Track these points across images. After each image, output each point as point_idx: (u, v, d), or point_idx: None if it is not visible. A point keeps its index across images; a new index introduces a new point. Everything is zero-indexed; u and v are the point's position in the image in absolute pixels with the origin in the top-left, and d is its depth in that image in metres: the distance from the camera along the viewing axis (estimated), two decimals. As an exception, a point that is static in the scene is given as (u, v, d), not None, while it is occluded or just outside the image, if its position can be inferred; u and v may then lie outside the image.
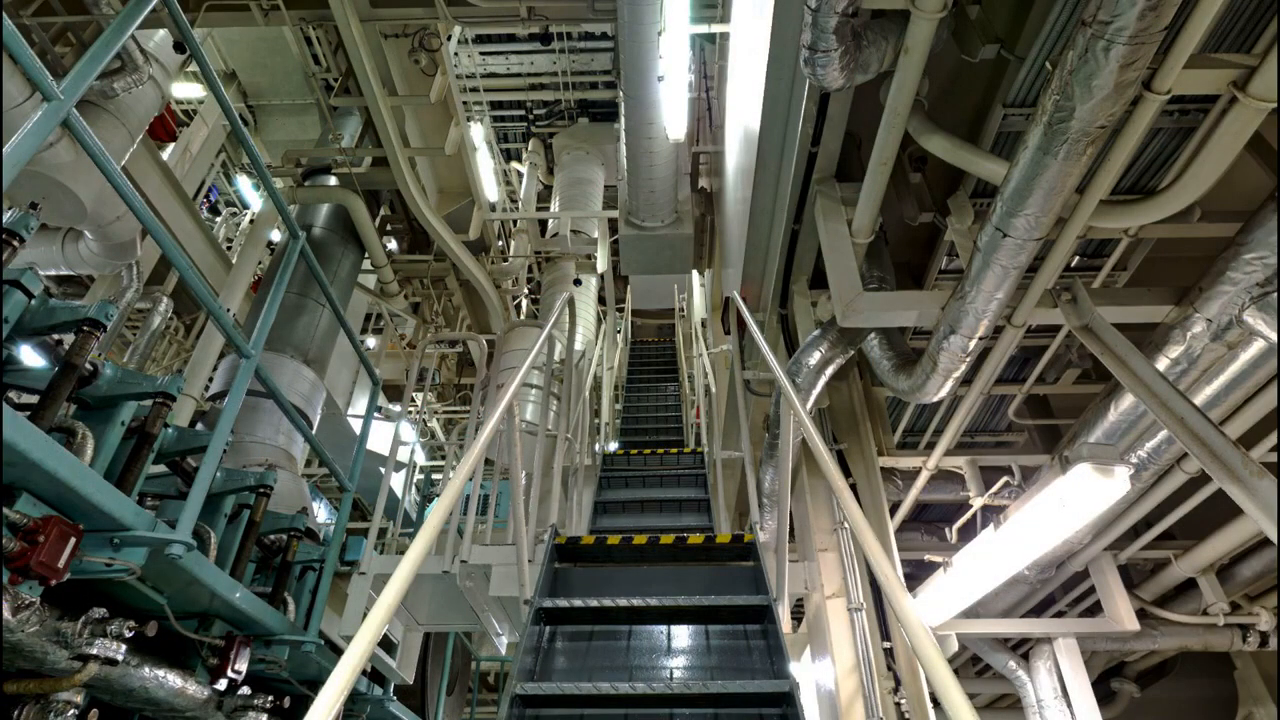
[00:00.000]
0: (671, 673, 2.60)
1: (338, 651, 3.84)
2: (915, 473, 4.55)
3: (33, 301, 2.38)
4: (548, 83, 12.01)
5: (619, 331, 12.47)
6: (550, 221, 10.80)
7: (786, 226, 3.48)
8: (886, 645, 3.39)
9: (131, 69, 5.44)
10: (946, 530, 5.07)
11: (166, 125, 7.45)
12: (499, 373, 7.05)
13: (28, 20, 5.50)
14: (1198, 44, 2.04)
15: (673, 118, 5.54)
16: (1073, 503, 3.20)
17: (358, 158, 7.74)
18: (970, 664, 7.02)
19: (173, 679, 2.85)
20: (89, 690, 2.48)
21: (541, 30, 10.32)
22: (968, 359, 2.92)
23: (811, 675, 3.60)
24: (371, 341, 10.85)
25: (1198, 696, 6.49)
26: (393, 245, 9.21)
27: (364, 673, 4.39)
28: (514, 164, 12.96)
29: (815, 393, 3.46)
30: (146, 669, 2.72)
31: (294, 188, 7.62)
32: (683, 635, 2.81)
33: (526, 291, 11.91)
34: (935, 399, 3.18)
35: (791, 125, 3.09)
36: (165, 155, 8.03)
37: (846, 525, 3.52)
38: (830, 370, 3.40)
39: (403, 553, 1.79)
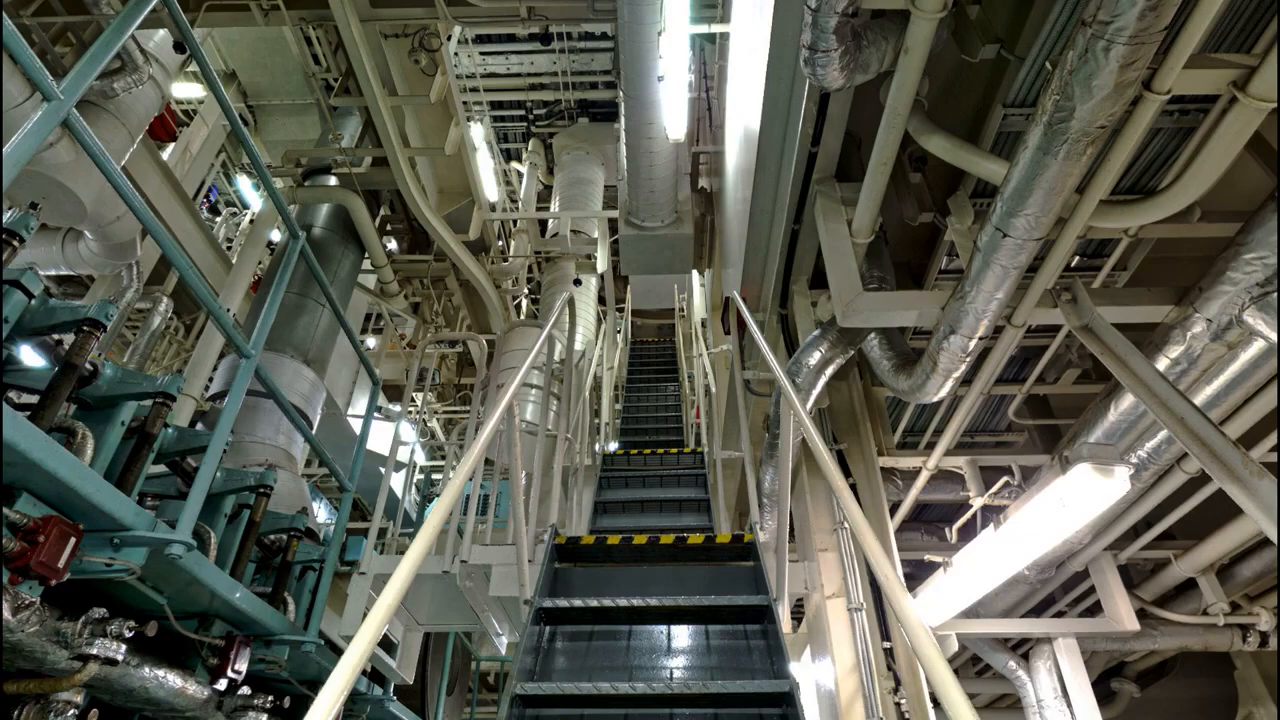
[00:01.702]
0: (671, 673, 2.60)
1: (338, 651, 3.84)
2: (915, 473, 4.55)
3: (33, 301, 2.38)
4: (548, 83, 12.01)
5: (619, 331, 12.47)
6: (550, 221, 10.80)
7: (786, 226, 3.48)
8: (886, 645, 3.38)
9: (131, 69, 5.44)
10: (946, 530, 5.07)
11: (166, 125, 7.45)
12: (499, 373, 7.05)
13: (28, 20, 5.50)
14: (1198, 44, 2.04)
15: (673, 118, 5.54)
16: (1073, 503, 3.20)
17: (358, 158, 7.74)
18: (970, 664, 7.02)
19: (173, 679, 2.85)
20: (89, 690, 2.48)
21: (541, 30, 10.32)
22: (968, 359, 2.92)
23: (811, 675, 3.60)
24: (371, 341, 10.85)
25: (1198, 696, 6.49)
26: (393, 245, 9.21)
27: (364, 673, 4.39)
28: (514, 164, 12.97)
29: (815, 393, 3.46)
30: (146, 669, 2.71)
31: (294, 188, 7.62)
32: (683, 635, 2.81)
33: (526, 291, 11.91)
34: (935, 399, 3.18)
35: (791, 125, 3.09)
36: (165, 155, 8.03)
37: (846, 525, 3.51)
38: (830, 370, 3.40)
39: (403, 553, 1.79)
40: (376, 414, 5.34)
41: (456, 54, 10.44)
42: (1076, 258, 3.51)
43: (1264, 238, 2.45)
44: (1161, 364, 2.88)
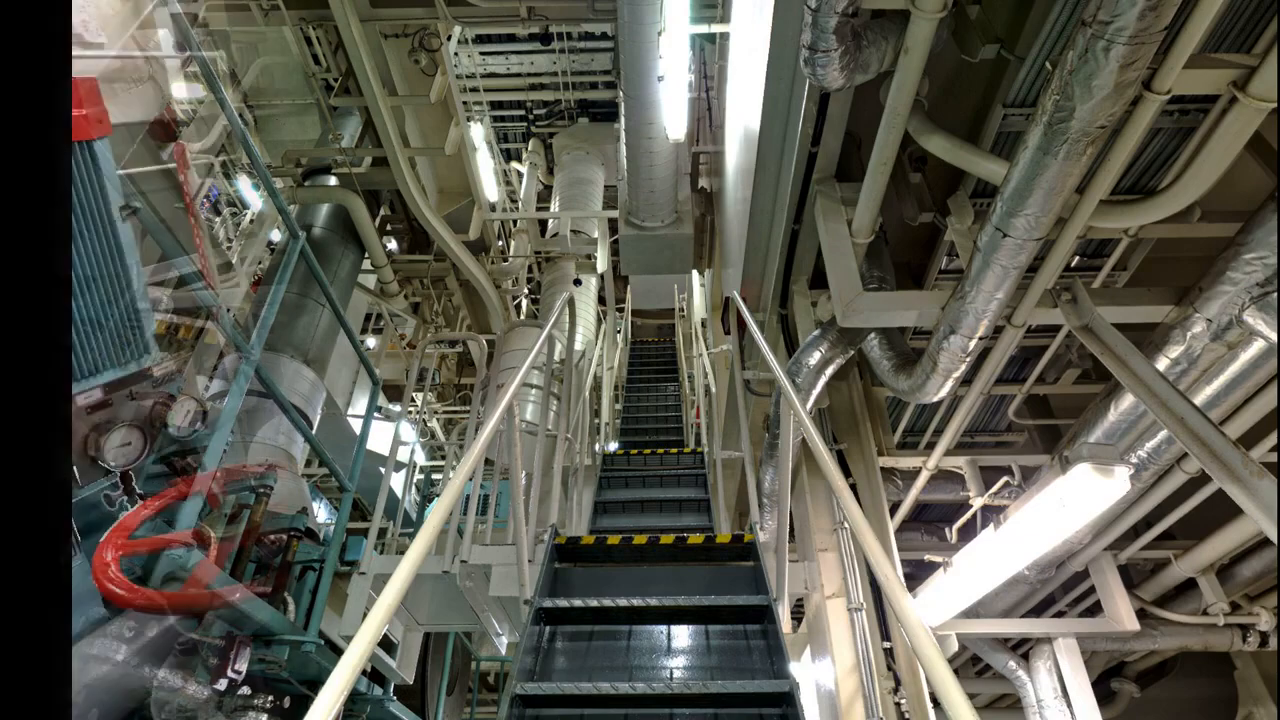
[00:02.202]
0: (671, 673, 2.60)
1: (338, 651, 3.84)
2: (915, 473, 4.55)
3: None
4: (548, 83, 12.01)
5: (619, 331, 12.47)
6: (550, 221, 10.80)
7: (786, 226, 3.48)
8: (886, 645, 3.39)
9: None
10: (946, 530, 5.06)
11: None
12: (499, 373, 7.04)
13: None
14: (1198, 44, 2.04)
15: (673, 118, 5.54)
16: (1073, 503, 3.19)
17: (358, 158, 7.74)
18: (970, 664, 7.02)
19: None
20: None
21: (541, 30, 10.33)
22: (968, 359, 2.92)
23: (811, 675, 3.60)
24: (371, 341, 10.85)
25: (1198, 696, 6.49)
26: (393, 245, 9.21)
27: (364, 673, 4.39)
28: (514, 164, 12.96)
29: (815, 393, 3.46)
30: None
31: (294, 188, 7.62)
32: (683, 635, 2.81)
33: (526, 291, 11.91)
34: (935, 399, 3.18)
35: (791, 125, 3.09)
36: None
37: (846, 525, 3.52)
38: (830, 370, 3.40)
39: (403, 553, 1.79)
40: (376, 414, 5.34)
41: (456, 54, 10.43)
42: (1076, 258, 3.51)
43: (1264, 238, 2.45)
44: (1161, 364, 2.88)
